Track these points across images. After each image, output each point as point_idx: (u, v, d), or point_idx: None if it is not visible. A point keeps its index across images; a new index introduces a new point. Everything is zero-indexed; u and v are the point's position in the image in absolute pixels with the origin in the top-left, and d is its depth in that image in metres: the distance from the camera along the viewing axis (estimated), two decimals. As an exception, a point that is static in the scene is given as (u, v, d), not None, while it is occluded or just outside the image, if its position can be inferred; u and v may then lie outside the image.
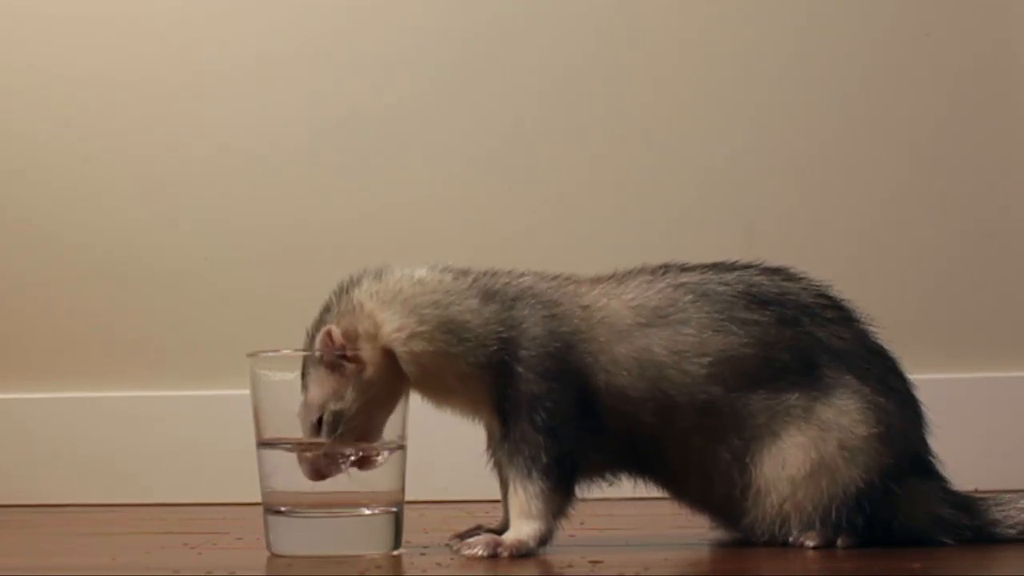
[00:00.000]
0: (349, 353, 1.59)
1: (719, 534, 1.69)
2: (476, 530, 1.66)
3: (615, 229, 2.40)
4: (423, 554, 1.61)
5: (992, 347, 2.35)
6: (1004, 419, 2.31)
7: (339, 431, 1.59)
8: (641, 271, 1.65)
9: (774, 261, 1.67)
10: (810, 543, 1.57)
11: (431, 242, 2.37)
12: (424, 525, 1.86)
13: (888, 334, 1.64)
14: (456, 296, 1.62)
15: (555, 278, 1.66)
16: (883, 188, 2.39)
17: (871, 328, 1.63)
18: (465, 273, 1.65)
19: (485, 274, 1.65)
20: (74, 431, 2.42)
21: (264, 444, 1.62)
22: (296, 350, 1.63)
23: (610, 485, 1.66)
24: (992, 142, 2.38)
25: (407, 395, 1.64)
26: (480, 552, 1.56)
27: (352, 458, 1.59)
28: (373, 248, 2.30)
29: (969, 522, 1.61)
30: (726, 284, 1.62)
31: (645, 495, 1.68)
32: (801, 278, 1.65)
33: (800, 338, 1.60)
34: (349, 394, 1.59)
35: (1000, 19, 2.39)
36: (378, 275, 1.64)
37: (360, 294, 1.62)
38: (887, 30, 2.41)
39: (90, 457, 2.41)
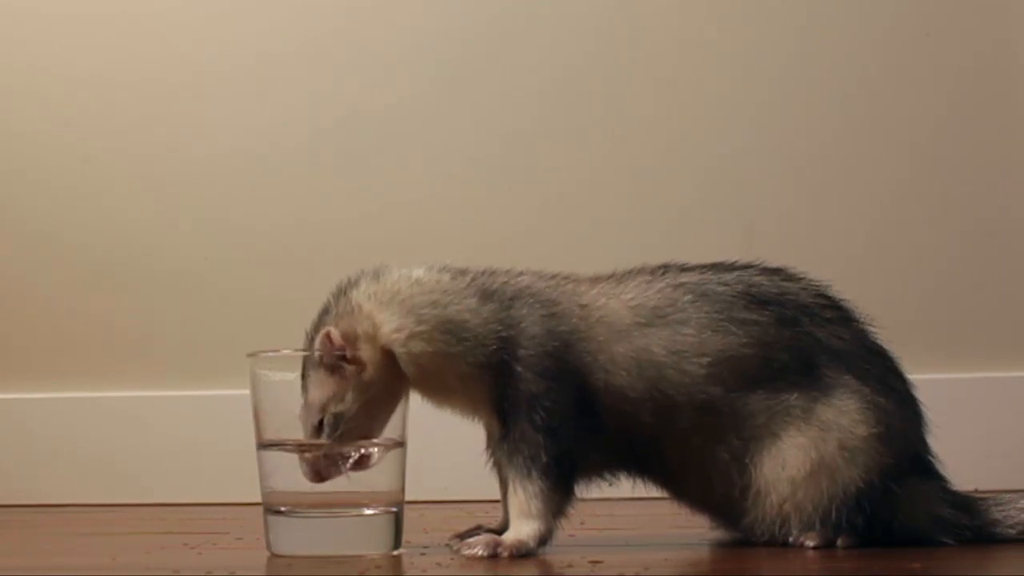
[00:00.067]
0: (348, 354, 1.59)
1: (719, 534, 1.69)
2: (476, 530, 1.66)
3: (615, 229, 2.40)
4: (423, 554, 1.61)
5: (992, 347, 2.35)
6: (1004, 419, 2.31)
7: (340, 432, 1.59)
8: (640, 271, 1.65)
9: (774, 261, 1.67)
10: (810, 543, 1.57)
11: (431, 242, 2.37)
12: (424, 525, 1.86)
13: (888, 334, 1.64)
14: (454, 296, 1.62)
15: (553, 277, 1.66)
16: (883, 188, 2.40)
17: (870, 328, 1.63)
18: (463, 273, 1.65)
19: (483, 273, 1.65)
20: (74, 431, 2.42)
21: (264, 446, 1.62)
22: (296, 350, 1.63)
23: (610, 485, 1.66)
24: (992, 142, 2.38)
25: (407, 395, 1.64)
26: (480, 552, 1.56)
27: (352, 460, 1.59)
28: (373, 248, 2.30)
29: (969, 522, 1.61)
30: (725, 284, 1.62)
31: (645, 495, 1.68)
32: (800, 278, 1.65)
33: (799, 338, 1.60)
34: (349, 396, 1.59)
35: (1000, 19, 2.39)
36: (376, 276, 1.64)
37: (358, 295, 1.62)
38: (887, 30, 2.41)
39: (90, 457, 2.41)
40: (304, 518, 1.61)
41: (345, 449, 1.59)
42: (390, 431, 1.63)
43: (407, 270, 1.64)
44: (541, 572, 1.51)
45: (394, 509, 1.62)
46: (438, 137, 2.44)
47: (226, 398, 2.33)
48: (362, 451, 1.60)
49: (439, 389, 1.63)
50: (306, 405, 1.60)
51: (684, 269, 1.64)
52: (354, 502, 1.61)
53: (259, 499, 1.63)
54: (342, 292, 1.63)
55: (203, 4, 2.48)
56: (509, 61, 2.44)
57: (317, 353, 1.60)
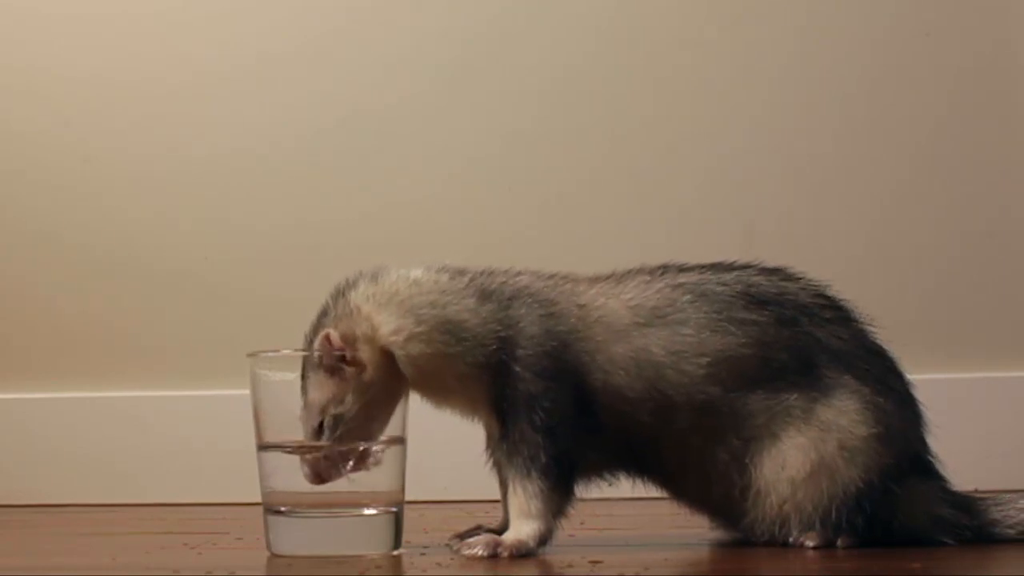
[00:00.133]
0: (348, 356, 1.59)
1: (719, 534, 1.69)
2: (476, 530, 1.66)
3: (615, 229, 2.40)
4: (423, 554, 1.61)
5: (992, 347, 2.35)
6: (1004, 419, 2.31)
7: (340, 433, 1.59)
8: (640, 271, 1.65)
9: (774, 261, 1.66)
10: (810, 543, 1.57)
11: (431, 242, 2.37)
12: (424, 525, 1.86)
13: (888, 334, 1.64)
14: (453, 296, 1.62)
15: (552, 277, 1.66)
16: (883, 188, 2.39)
17: (870, 328, 1.63)
18: (461, 273, 1.65)
19: (482, 273, 1.65)
20: (74, 431, 2.42)
21: (264, 447, 1.62)
22: (296, 350, 1.63)
23: (609, 485, 1.66)
24: (992, 142, 2.38)
25: (407, 394, 1.64)
26: (480, 552, 1.56)
27: (352, 462, 1.59)
28: (373, 248, 2.31)
29: (969, 522, 1.60)
30: (724, 284, 1.62)
31: (645, 495, 1.68)
32: (799, 278, 1.65)
33: (798, 338, 1.60)
34: (349, 397, 1.59)
35: (1000, 19, 2.39)
36: (374, 277, 1.64)
37: (357, 297, 1.62)
38: (887, 30, 2.41)
39: (90, 457, 2.41)
40: (304, 518, 1.61)
41: (345, 450, 1.59)
42: (390, 429, 1.63)
43: (405, 271, 1.64)
44: (541, 572, 1.51)
45: (394, 509, 1.62)
46: (438, 137, 2.44)
47: (226, 398, 2.33)
48: (362, 449, 1.60)
49: (438, 389, 1.63)
50: (306, 407, 1.60)
51: (683, 269, 1.64)
52: (354, 502, 1.61)
53: (259, 499, 1.63)
54: (340, 294, 1.63)
55: (203, 4, 2.48)
56: (509, 61, 2.44)
57: (316, 354, 1.60)
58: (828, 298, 1.63)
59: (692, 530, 1.71)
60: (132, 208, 2.47)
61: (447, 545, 1.64)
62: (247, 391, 1.63)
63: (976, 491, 1.67)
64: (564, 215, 2.42)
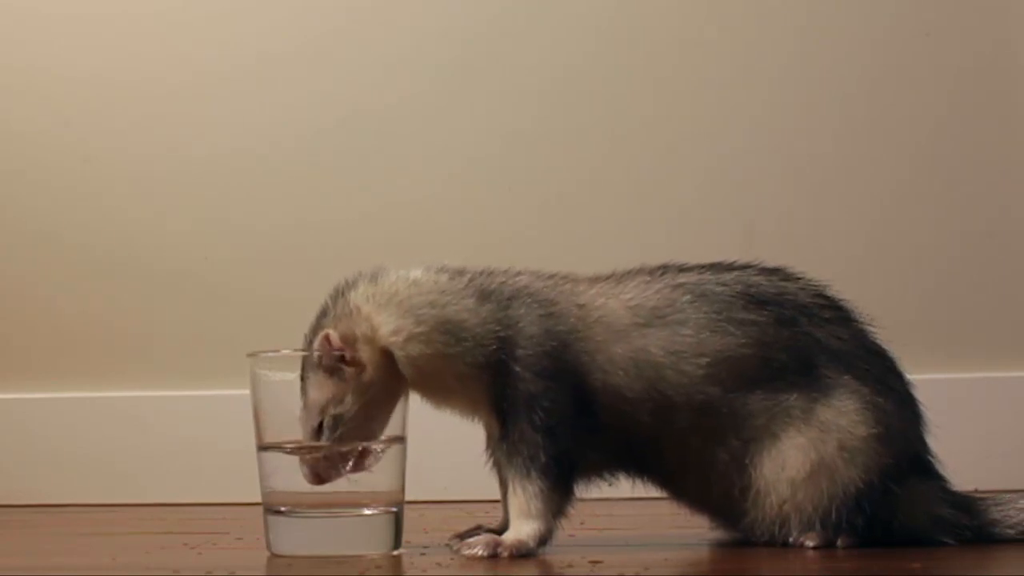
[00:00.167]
0: (347, 356, 1.59)
1: (719, 534, 1.69)
2: (476, 530, 1.66)
3: (615, 229, 2.40)
4: (423, 554, 1.61)
5: (992, 347, 2.35)
6: (1004, 419, 2.31)
7: (339, 434, 1.59)
8: (640, 271, 1.65)
9: (774, 261, 1.66)
10: (810, 543, 1.57)
11: (431, 242, 2.37)
12: (424, 525, 1.86)
13: (888, 334, 1.64)
14: (452, 296, 1.62)
15: (551, 277, 1.66)
16: (883, 188, 2.39)
17: (869, 328, 1.63)
18: (461, 273, 1.65)
19: (481, 273, 1.65)
20: (74, 431, 2.42)
21: (264, 447, 1.62)
22: (296, 350, 1.63)
23: (609, 485, 1.66)
24: (992, 142, 2.38)
25: (407, 394, 1.64)
26: (480, 552, 1.56)
27: (351, 463, 1.59)
28: (373, 248, 2.31)
29: (969, 522, 1.60)
30: (724, 284, 1.62)
31: (645, 495, 1.68)
32: (799, 278, 1.64)
33: (798, 338, 1.60)
34: (349, 397, 1.59)
35: (1000, 19, 2.39)
36: (373, 278, 1.64)
37: (356, 297, 1.62)
38: (887, 30, 2.41)
39: (90, 457, 2.41)
40: (304, 518, 1.61)
41: (344, 450, 1.59)
42: (390, 429, 1.63)
43: (404, 271, 1.64)
44: (541, 572, 1.51)
45: (394, 509, 1.62)
46: (438, 137, 2.44)
47: (226, 398, 2.33)
48: (361, 449, 1.60)
49: (438, 389, 1.63)
50: (305, 407, 1.60)
51: (683, 269, 1.64)
52: (354, 502, 1.61)
53: (259, 499, 1.63)
54: (340, 294, 1.63)
55: (203, 4, 2.48)
56: (509, 61, 2.44)
57: (316, 355, 1.60)
58: (828, 298, 1.63)
59: (692, 530, 1.71)
60: (132, 208, 2.47)
61: (447, 545, 1.64)
62: (247, 391, 1.63)
63: (976, 491, 1.67)
64: (564, 215, 2.42)
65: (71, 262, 2.47)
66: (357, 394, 1.60)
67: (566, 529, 1.62)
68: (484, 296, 1.62)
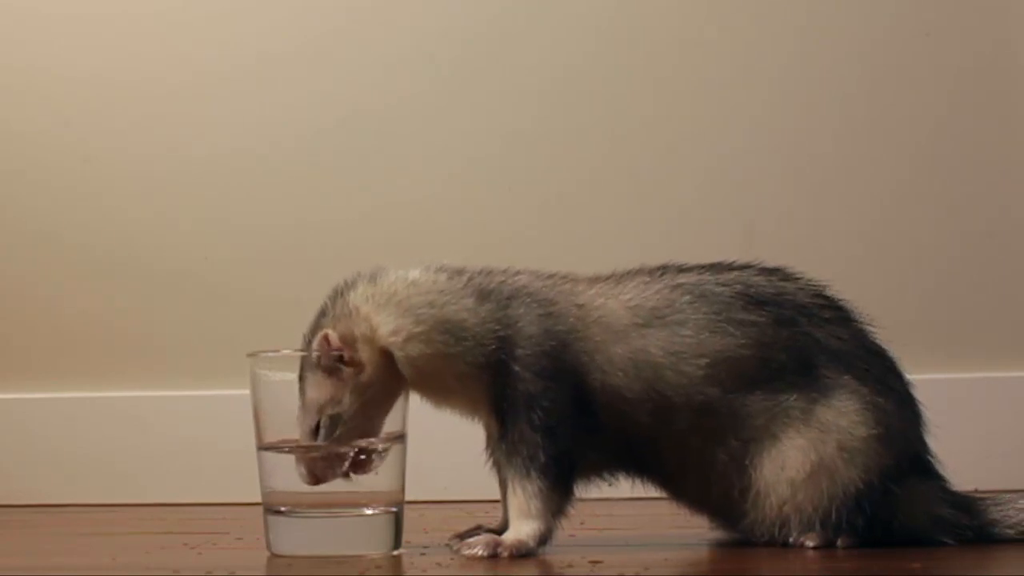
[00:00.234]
0: (346, 356, 1.59)
1: (719, 534, 1.69)
2: (476, 530, 1.66)
3: (615, 229, 2.40)
4: (423, 554, 1.61)
5: (992, 347, 2.35)
6: (1004, 419, 2.31)
7: (337, 434, 1.59)
8: (639, 271, 1.65)
9: (774, 261, 1.66)
10: (810, 544, 1.57)
11: (431, 242, 2.37)
12: (424, 525, 1.85)
13: (888, 334, 1.64)
14: (451, 296, 1.62)
15: (551, 277, 1.66)
16: (883, 188, 2.39)
17: (869, 327, 1.63)
18: (460, 272, 1.65)
19: (480, 273, 1.65)
20: (74, 431, 2.42)
21: (264, 447, 1.62)
22: (296, 350, 1.63)
23: (609, 485, 1.66)
24: (992, 142, 2.38)
25: (407, 394, 1.64)
26: (480, 552, 1.57)
27: (348, 462, 1.59)
28: (373, 248, 2.31)
29: (969, 522, 1.61)
30: (724, 285, 1.62)
31: (645, 495, 1.68)
32: (798, 278, 1.64)
33: (797, 338, 1.60)
34: (347, 398, 1.59)
35: (1000, 19, 2.39)
36: (373, 278, 1.64)
37: (355, 297, 1.62)
38: (887, 30, 2.41)
39: (90, 457, 2.41)
40: (304, 518, 1.61)
41: (342, 451, 1.59)
42: (391, 428, 1.63)
43: (404, 272, 1.64)
44: (541, 572, 1.51)
45: (394, 509, 1.62)
46: (438, 137, 2.44)
47: (226, 398, 2.33)
48: (359, 447, 1.59)
49: (438, 389, 1.63)
50: (303, 407, 1.60)
51: (682, 270, 1.64)
52: (354, 502, 1.61)
53: (259, 499, 1.63)
54: (339, 294, 1.63)
55: (203, 4, 2.48)
56: (509, 61, 2.44)
57: (315, 355, 1.60)
58: (827, 298, 1.63)
59: (692, 530, 1.71)
60: (132, 208, 2.47)
61: (447, 545, 1.64)
62: (247, 391, 1.63)
63: (976, 491, 1.67)
64: (564, 215, 2.41)
65: (71, 262, 2.46)
66: (355, 394, 1.60)
67: (566, 529, 1.62)
68: (483, 296, 1.62)
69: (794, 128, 2.40)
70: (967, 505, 1.62)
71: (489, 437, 1.64)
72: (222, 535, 1.87)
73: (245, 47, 2.47)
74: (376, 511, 1.61)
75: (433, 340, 1.60)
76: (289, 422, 1.61)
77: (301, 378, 1.61)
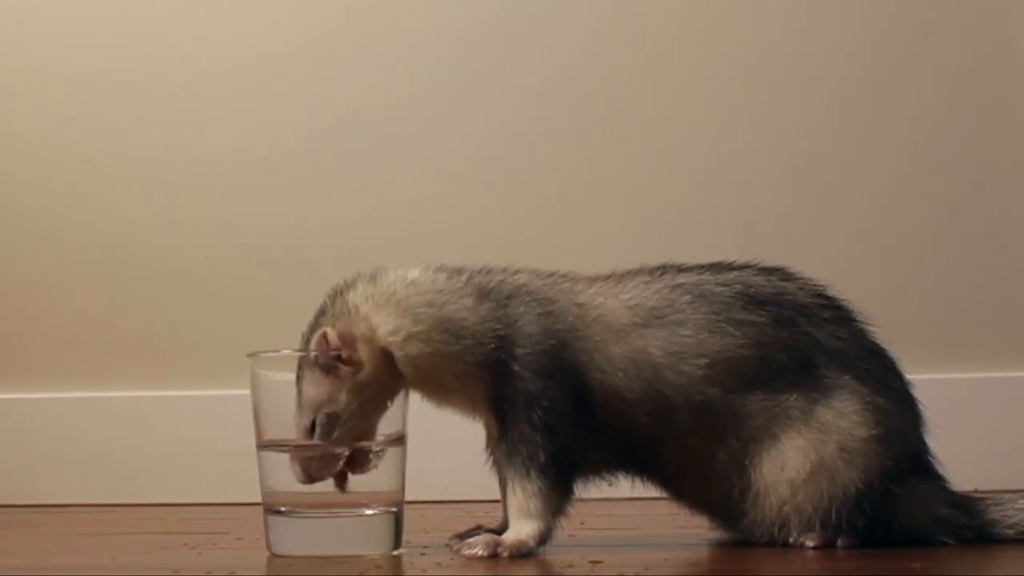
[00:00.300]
0: (344, 355, 1.59)
1: (719, 534, 1.69)
2: (476, 530, 1.65)
3: (615, 229, 2.40)
4: (423, 554, 1.61)
5: (992, 347, 2.35)
6: (1004, 419, 2.31)
7: (334, 435, 1.58)
8: (639, 271, 1.65)
9: (774, 261, 1.66)
10: (810, 544, 1.57)
11: (431, 242, 2.37)
12: (424, 525, 1.85)
13: (888, 334, 1.64)
14: (450, 295, 1.62)
15: (551, 275, 1.66)
16: (883, 188, 2.39)
17: (869, 327, 1.63)
18: (459, 272, 1.64)
19: (479, 272, 1.65)
20: (74, 431, 2.42)
21: (264, 446, 1.62)
22: (295, 350, 1.63)
23: (609, 485, 1.66)
24: (992, 142, 2.38)
25: (407, 394, 1.64)
26: (480, 552, 1.56)
27: (342, 462, 1.59)
28: (373, 248, 2.31)
29: (969, 522, 1.60)
30: (723, 285, 1.62)
31: (645, 495, 1.68)
32: (798, 277, 1.64)
33: (797, 338, 1.60)
34: (344, 396, 1.59)
35: (1000, 19, 2.39)
36: (372, 278, 1.64)
37: (355, 297, 1.62)
38: (887, 30, 2.41)
39: (90, 457, 2.41)
40: (304, 518, 1.61)
41: (338, 450, 1.59)
42: (391, 428, 1.63)
43: (403, 271, 1.64)
44: (541, 572, 1.51)
45: (394, 509, 1.62)
46: (438, 137, 2.44)
47: (226, 398, 2.33)
48: (357, 449, 1.59)
49: (438, 389, 1.63)
50: (299, 405, 1.60)
51: (682, 269, 1.64)
52: (354, 502, 1.61)
53: (259, 499, 1.63)
54: (338, 294, 1.63)
55: (203, 4, 2.48)
56: (509, 61, 2.44)
57: (313, 354, 1.60)
58: (827, 297, 1.63)
59: (692, 530, 1.71)
60: (132, 208, 2.47)
61: (447, 545, 1.64)
62: (247, 391, 1.63)
63: (976, 491, 1.67)
64: (564, 215, 2.41)
65: (71, 262, 2.47)
66: (352, 393, 1.59)
67: (566, 529, 1.62)
68: (483, 295, 1.62)
69: (794, 128, 2.40)
70: (967, 505, 1.62)
71: (489, 436, 1.64)
72: (222, 535, 1.87)
73: (245, 47, 2.47)
74: (376, 511, 1.61)
75: (432, 339, 1.60)
76: (289, 422, 1.61)
77: (298, 376, 1.61)
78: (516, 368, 1.59)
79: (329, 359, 1.59)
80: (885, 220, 2.39)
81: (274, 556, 1.61)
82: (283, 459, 1.60)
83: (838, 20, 2.41)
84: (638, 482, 1.66)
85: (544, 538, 1.58)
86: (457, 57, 2.45)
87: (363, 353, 1.60)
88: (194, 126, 2.47)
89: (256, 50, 2.47)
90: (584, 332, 1.61)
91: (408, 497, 1.63)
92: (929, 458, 1.63)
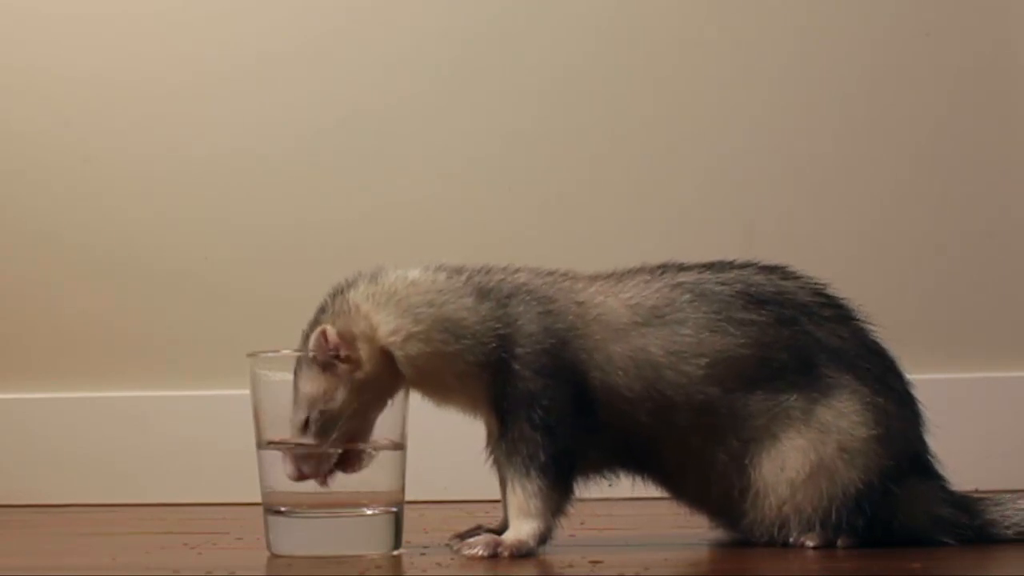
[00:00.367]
0: (343, 354, 1.59)
1: (719, 534, 1.69)
2: (476, 530, 1.65)
3: (615, 229, 2.40)
4: (423, 554, 1.61)
5: (992, 347, 2.35)
6: (1004, 419, 2.31)
7: (328, 432, 1.58)
8: (640, 270, 1.65)
9: (774, 261, 1.66)
10: (810, 544, 1.57)
11: (431, 242, 2.37)
12: (424, 525, 1.85)
13: (888, 334, 1.64)
14: (450, 295, 1.62)
15: (551, 274, 1.66)
16: (883, 188, 2.39)
17: (869, 326, 1.63)
18: (459, 272, 1.64)
19: (479, 271, 1.65)
20: (74, 431, 2.42)
21: (264, 446, 1.62)
22: (295, 350, 1.63)
23: (609, 485, 1.66)
24: (992, 142, 2.38)
25: (407, 395, 1.64)
26: (480, 552, 1.56)
27: (334, 460, 1.59)
28: (373, 248, 2.31)
29: (969, 522, 1.60)
30: (724, 284, 1.62)
31: (645, 495, 1.68)
32: (799, 276, 1.64)
33: (798, 337, 1.60)
34: (340, 394, 1.59)
35: (1000, 19, 2.39)
36: (373, 278, 1.64)
37: (356, 296, 1.62)
38: (887, 30, 2.41)
39: (90, 457, 2.41)
40: (304, 518, 1.61)
41: (335, 449, 1.59)
42: (389, 431, 1.63)
43: (403, 271, 1.64)
44: (541, 572, 1.51)
45: (394, 509, 1.62)
46: (438, 137, 2.44)
47: (226, 398, 2.33)
48: (351, 450, 1.59)
49: (438, 388, 1.63)
50: (295, 401, 1.60)
51: (683, 268, 1.64)
52: (354, 502, 1.61)
53: (259, 499, 1.63)
54: (339, 292, 1.63)
55: (203, 4, 2.48)
56: (509, 61, 2.44)
57: (311, 353, 1.60)
58: (827, 296, 1.63)
59: (692, 530, 1.71)
60: (132, 208, 2.47)
61: (447, 545, 1.64)
62: (247, 391, 1.63)
63: (976, 491, 1.67)
64: (564, 215, 2.42)
65: (71, 262, 2.47)
66: (349, 391, 1.59)
67: (566, 529, 1.62)
68: (483, 294, 1.62)
69: (794, 128, 2.40)
70: (967, 505, 1.62)
71: (490, 435, 1.64)
72: (222, 535, 1.87)
73: (245, 47, 2.47)
74: (376, 511, 1.61)
75: (432, 339, 1.60)
76: (289, 423, 1.61)
77: (296, 371, 1.60)
78: (516, 367, 1.59)
79: (327, 357, 1.59)
80: (885, 220, 2.39)
81: (274, 556, 1.61)
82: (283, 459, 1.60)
83: (838, 20, 2.41)
84: (638, 481, 1.66)
85: (544, 538, 1.58)
86: (457, 57, 2.45)
87: (363, 352, 1.60)
88: (194, 126, 2.47)
89: (256, 50, 2.47)
90: (584, 331, 1.61)
91: (408, 497, 1.63)
92: (929, 458, 1.63)
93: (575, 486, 1.61)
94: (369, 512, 1.61)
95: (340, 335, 1.59)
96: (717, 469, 1.59)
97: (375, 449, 1.61)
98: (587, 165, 2.43)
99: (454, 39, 2.45)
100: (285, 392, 1.61)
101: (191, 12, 2.48)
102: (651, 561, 1.54)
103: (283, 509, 1.61)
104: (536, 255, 1.75)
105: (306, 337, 1.62)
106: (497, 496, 1.66)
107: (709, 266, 1.64)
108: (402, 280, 1.63)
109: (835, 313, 1.62)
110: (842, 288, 1.65)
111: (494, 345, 1.59)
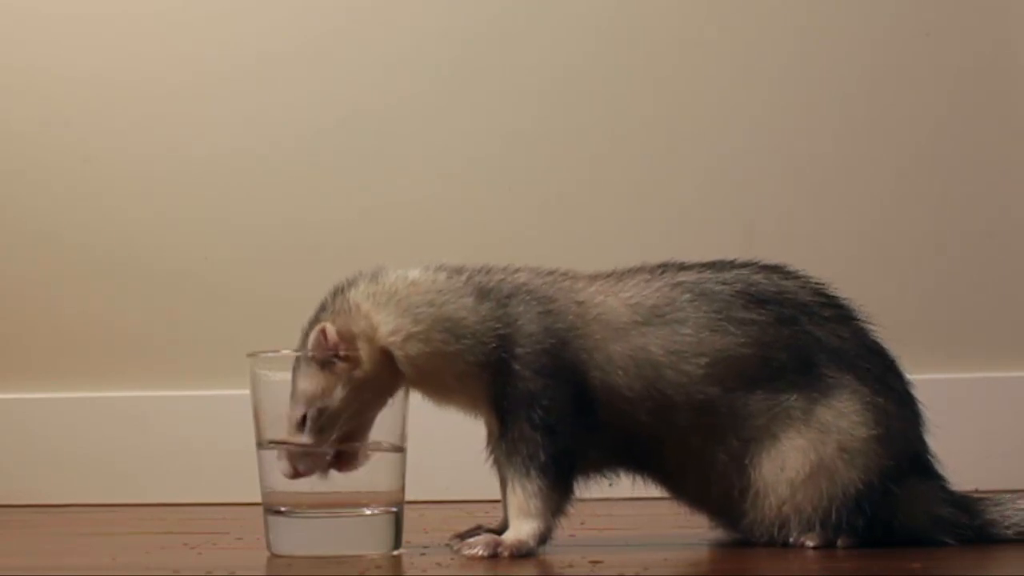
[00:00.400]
0: (342, 352, 1.59)
1: (719, 534, 1.69)
2: (476, 530, 1.65)
3: (615, 229, 2.40)
4: (423, 554, 1.61)
5: (992, 347, 2.35)
6: (1004, 419, 2.31)
7: (326, 430, 1.58)
8: (640, 269, 1.65)
9: (774, 261, 1.66)
10: (810, 544, 1.57)
11: (431, 242, 2.37)
12: (424, 525, 1.86)
13: (888, 334, 1.64)
14: (450, 295, 1.62)
15: (551, 274, 1.65)
16: (883, 188, 2.40)
17: (869, 326, 1.63)
18: (459, 271, 1.64)
19: (480, 271, 1.64)
20: (74, 431, 2.42)
21: (264, 446, 1.62)
22: (295, 350, 1.63)
23: (610, 484, 1.66)
24: (992, 142, 2.38)
25: (407, 395, 1.64)
26: (480, 552, 1.56)
27: (329, 458, 1.59)
28: (373, 248, 2.31)
29: (969, 522, 1.60)
30: (724, 283, 1.62)
31: (645, 495, 1.68)
32: (799, 276, 1.64)
33: (798, 337, 1.60)
34: (338, 392, 1.59)
35: (1000, 19, 2.39)
36: (374, 277, 1.64)
37: (356, 295, 1.62)
38: (887, 30, 2.41)
39: (90, 457, 2.41)
40: (304, 518, 1.61)
41: (331, 449, 1.59)
42: (389, 433, 1.63)
43: (404, 271, 1.64)
44: (541, 572, 1.51)
45: (394, 509, 1.62)
46: (438, 137, 2.44)
47: (226, 398, 2.33)
48: (341, 451, 1.59)
49: (438, 388, 1.63)
50: (292, 398, 1.60)
51: (683, 268, 1.64)
52: (354, 502, 1.61)
53: (259, 499, 1.63)
54: (339, 291, 1.63)
55: (203, 4, 2.48)
56: (509, 61, 2.44)
57: (310, 353, 1.60)
58: (827, 296, 1.63)
59: (692, 530, 1.71)
60: (132, 208, 2.47)
61: (447, 545, 1.64)
62: (247, 391, 1.63)
63: (976, 491, 1.67)
64: (564, 215, 2.42)
65: (71, 262, 2.47)
66: (347, 390, 1.59)
67: (566, 529, 1.62)
68: (483, 294, 1.62)
69: (794, 128, 2.40)
70: (967, 505, 1.62)
71: (490, 435, 1.64)
72: (222, 535, 1.87)
73: (245, 47, 2.47)
74: (376, 511, 1.61)
75: (432, 339, 1.60)
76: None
77: (294, 368, 1.60)
78: (516, 367, 1.59)
79: (326, 355, 1.59)
80: (885, 220, 2.39)
81: (274, 556, 1.61)
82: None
83: (838, 20, 2.41)
84: (638, 481, 1.66)
85: (544, 538, 1.58)
86: (457, 57, 2.45)
87: (362, 351, 1.60)
88: (194, 126, 2.47)
89: (256, 50, 2.47)
90: (584, 331, 1.60)
91: (408, 497, 1.63)
92: (929, 458, 1.63)
93: (575, 486, 1.61)
94: (369, 512, 1.61)
95: (340, 334, 1.59)
96: (717, 469, 1.59)
97: (371, 450, 1.61)
98: (587, 165, 2.43)
99: (454, 39, 2.45)
100: (285, 392, 1.61)
101: (191, 12, 2.48)
102: (651, 561, 1.54)
103: (283, 509, 1.61)
104: (536, 255, 1.75)
105: (306, 335, 1.62)
106: (497, 496, 1.66)
107: (709, 265, 1.64)
108: (402, 280, 1.63)
109: (835, 313, 1.62)
110: (842, 288, 1.65)
111: (494, 345, 1.59)
